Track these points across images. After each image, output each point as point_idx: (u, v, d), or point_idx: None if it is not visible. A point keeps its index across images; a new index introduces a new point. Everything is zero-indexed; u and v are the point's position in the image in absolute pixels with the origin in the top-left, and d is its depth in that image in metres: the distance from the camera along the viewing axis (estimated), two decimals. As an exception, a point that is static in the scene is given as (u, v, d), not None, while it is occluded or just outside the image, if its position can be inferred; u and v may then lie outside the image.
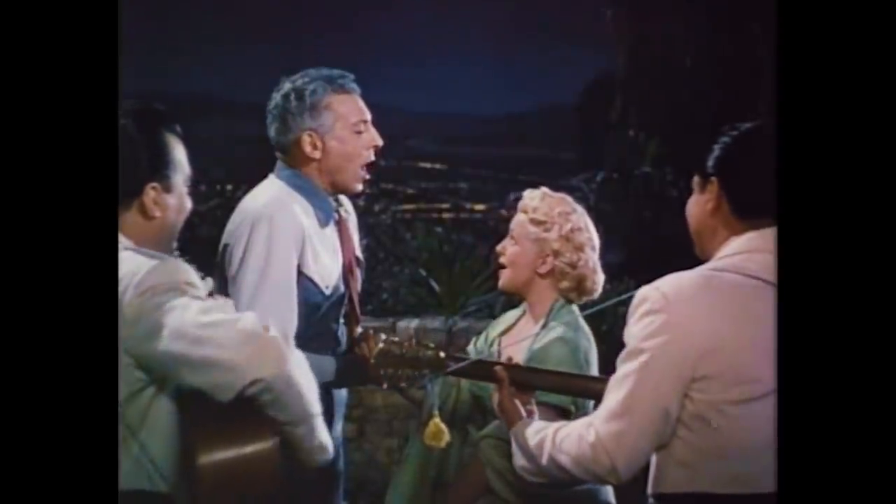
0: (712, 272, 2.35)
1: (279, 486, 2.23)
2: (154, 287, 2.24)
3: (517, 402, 2.71)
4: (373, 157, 3.29)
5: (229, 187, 9.15)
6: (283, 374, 2.21)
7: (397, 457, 5.36)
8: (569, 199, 3.29)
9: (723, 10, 8.61)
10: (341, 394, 3.34)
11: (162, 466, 2.28)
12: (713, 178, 2.40)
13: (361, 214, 4.15)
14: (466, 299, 6.30)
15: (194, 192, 2.52)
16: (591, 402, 2.94)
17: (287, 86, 3.24)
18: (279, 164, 3.28)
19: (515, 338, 3.23)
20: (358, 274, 3.35)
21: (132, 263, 2.27)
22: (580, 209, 3.29)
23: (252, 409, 2.21)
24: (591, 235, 3.26)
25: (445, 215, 14.21)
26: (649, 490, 2.37)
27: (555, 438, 2.42)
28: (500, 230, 3.84)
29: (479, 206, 15.51)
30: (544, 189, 3.29)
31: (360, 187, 3.30)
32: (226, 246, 3.18)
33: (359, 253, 3.40)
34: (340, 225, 3.31)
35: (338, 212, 3.30)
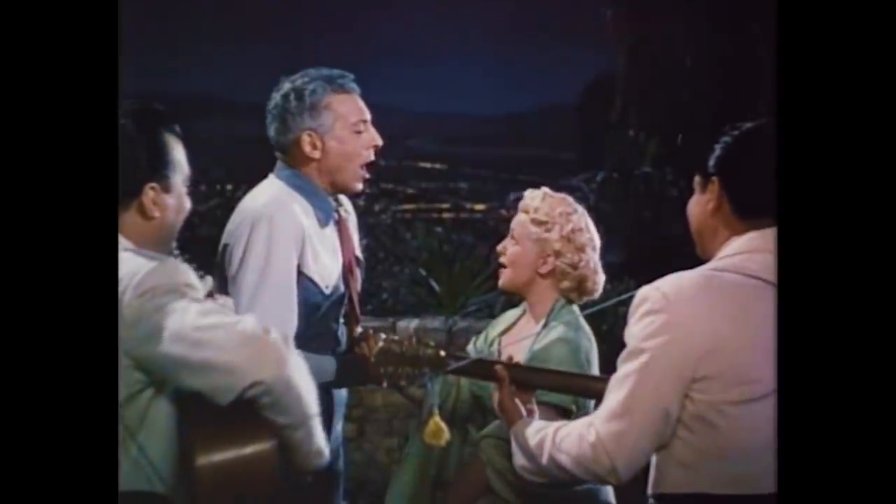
0: (713, 272, 2.35)
1: (278, 487, 2.23)
2: (154, 288, 2.23)
3: (517, 401, 2.71)
4: (373, 157, 3.29)
5: (229, 187, 9.13)
6: (282, 376, 2.20)
7: (397, 456, 5.36)
8: (570, 199, 3.29)
9: (723, 10, 8.59)
10: (341, 394, 3.33)
11: (161, 468, 2.28)
12: (714, 178, 2.40)
13: (361, 214, 4.15)
14: (466, 299, 6.30)
15: (194, 192, 2.51)
16: (592, 402, 2.94)
17: (287, 86, 3.24)
18: (279, 164, 3.28)
19: (515, 337, 3.23)
20: (358, 274, 3.35)
21: (132, 264, 2.26)
22: (581, 209, 3.29)
23: (251, 411, 2.21)
24: (592, 236, 3.26)
25: (445, 215, 14.21)
26: (649, 490, 2.37)
27: (555, 438, 2.42)
28: (501, 230, 3.84)
29: (479, 206, 15.50)
30: (545, 189, 3.29)
31: (360, 187, 3.30)
32: (226, 246, 3.17)
33: (359, 253, 3.40)
34: (340, 225, 3.30)
35: (338, 212, 3.30)
